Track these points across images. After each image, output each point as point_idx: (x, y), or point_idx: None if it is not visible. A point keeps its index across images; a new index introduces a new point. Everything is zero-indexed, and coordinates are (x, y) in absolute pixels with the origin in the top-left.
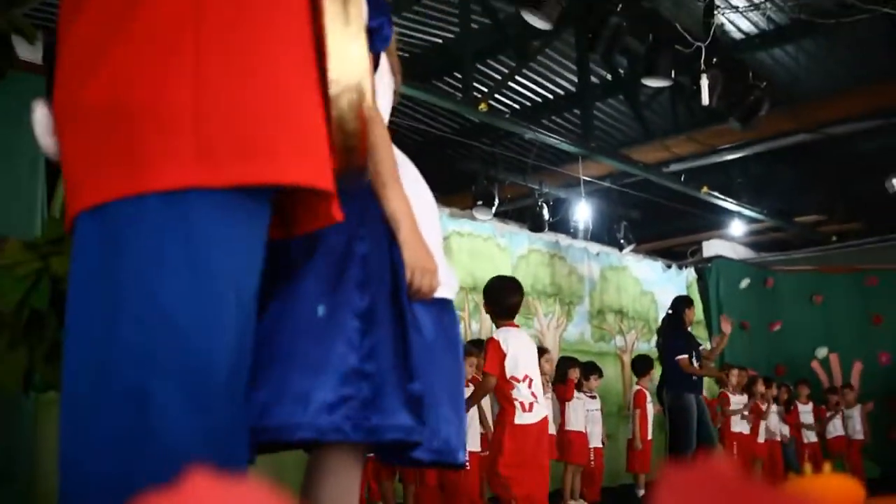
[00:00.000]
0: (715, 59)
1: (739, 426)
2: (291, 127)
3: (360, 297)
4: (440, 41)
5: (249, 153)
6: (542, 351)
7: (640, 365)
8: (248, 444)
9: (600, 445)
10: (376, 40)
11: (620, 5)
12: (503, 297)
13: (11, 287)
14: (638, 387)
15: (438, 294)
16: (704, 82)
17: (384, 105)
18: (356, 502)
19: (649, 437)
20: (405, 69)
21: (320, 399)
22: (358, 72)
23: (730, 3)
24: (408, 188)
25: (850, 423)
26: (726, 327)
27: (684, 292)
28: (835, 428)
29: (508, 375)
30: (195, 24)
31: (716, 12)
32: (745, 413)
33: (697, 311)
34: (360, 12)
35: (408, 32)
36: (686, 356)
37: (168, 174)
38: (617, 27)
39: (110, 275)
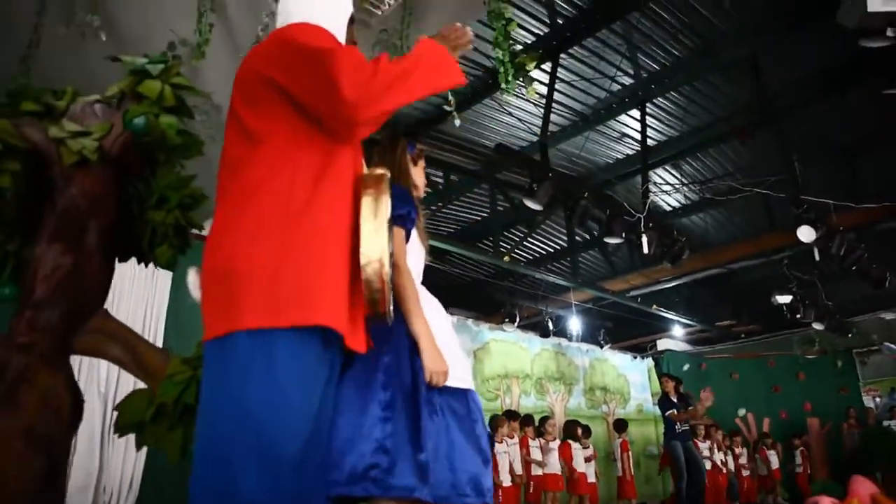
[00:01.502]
0: (651, 224)
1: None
2: (326, 291)
3: (384, 394)
4: (479, 218)
5: (301, 305)
6: (547, 418)
7: (620, 425)
8: (308, 498)
9: (595, 481)
10: (406, 222)
11: (587, 193)
12: None
13: (172, 388)
14: (621, 438)
15: (450, 384)
16: (645, 239)
17: (415, 262)
18: None
19: (632, 472)
20: (460, 238)
21: (352, 465)
22: (380, 250)
23: (661, 189)
24: (429, 315)
25: (771, 461)
26: (707, 396)
27: (646, 375)
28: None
29: None
30: (282, 224)
31: (650, 194)
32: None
33: (655, 385)
34: (386, 211)
35: (458, 214)
36: (674, 411)
37: (251, 319)
38: (585, 207)
39: (217, 384)
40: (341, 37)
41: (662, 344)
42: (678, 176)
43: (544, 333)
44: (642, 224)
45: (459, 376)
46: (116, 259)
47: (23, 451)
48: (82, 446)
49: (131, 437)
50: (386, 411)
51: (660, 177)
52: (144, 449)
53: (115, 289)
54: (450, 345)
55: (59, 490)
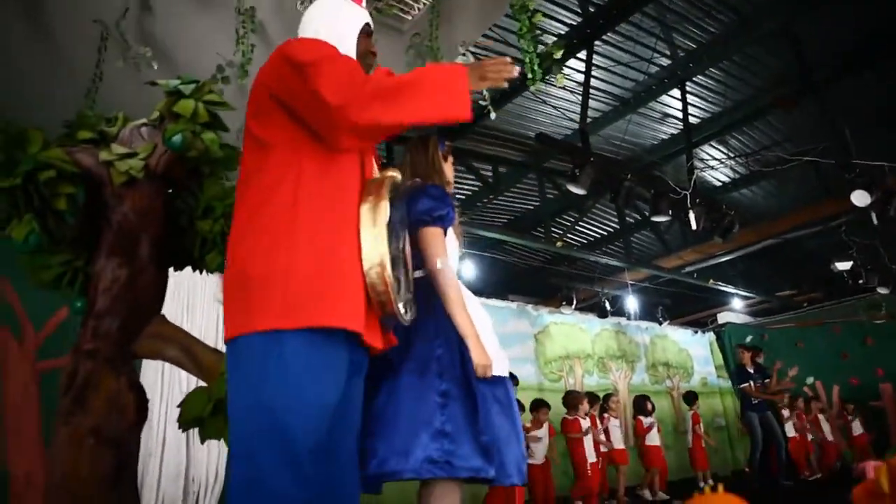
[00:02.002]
0: (697, 200)
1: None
2: (337, 292)
3: (440, 383)
4: (530, 207)
5: (311, 307)
6: (610, 395)
7: (691, 397)
8: (339, 485)
9: (663, 453)
10: (446, 222)
11: (630, 174)
12: None
13: (225, 385)
14: (692, 411)
15: (494, 373)
16: (692, 215)
17: (453, 258)
18: None
19: (703, 445)
20: (516, 228)
21: (417, 454)
22: (380, 254)
23: (708, 165)
24: (472, 311)
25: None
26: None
27: (708, 349)
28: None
29: None
30: (289, 230)
31: (698, 171)
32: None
33: (717, 358)
34: (384, 218)
35: (509, 204)
36: (749, 384)
37: (264, 321)
38: (629, 188)
39: (237, 383)
40: (349, 47)
41: (723, 317)
42: (725, 151)
43: (602, 314)
44: (688, 201)
45: (501, 366)
46: (171, 268)
47: (94, 447)
48: (171, 441)
49: None
50: (443, 398)
51: (707, 153)
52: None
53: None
54: (489, 336)
55: (128, 483)
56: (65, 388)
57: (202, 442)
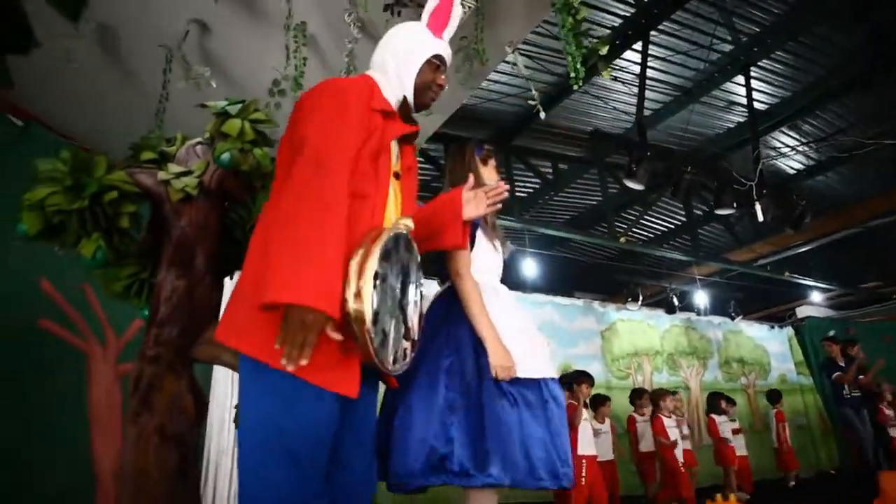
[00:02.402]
0: (764, 191)
1: None
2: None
3: (447, 394)
4: (593, 203)
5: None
6: (672, 392)
7: (774, 395)
8: (317, 488)
9: (745, 453)
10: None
11: (690, 167)
12: None
13: None
14: (775, 409)
15: (521, 375)
16: (758, 207)
17: (487, 259)
18: None
19: (789, 443)
20: (578, 224)
21: (421, 458)
22: (356, 310)
23: (780, 153)
24: (502, 313)
25: None
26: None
27: (787, 345)
28: None
29: None
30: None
31: (770, 160)
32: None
33: (797, 354)
34: (370, 272)
35: (571, 201)
36: (839, 373)
37: (248, 344)
38: (690, 182)
39: (240, 388)
40: (406, 76)
41: (802, 311)
42: (798, 137)
43: (670, 310)
44: (754, 192)
45: (530, 367)
46: (228, 277)
47: (159, 445)
48: None
49: None
50: (450, 409)
51: (778, 140)
52: None
53: None
54: (523, 338)
55: (191, 480)
56: (132, 390)
57: None
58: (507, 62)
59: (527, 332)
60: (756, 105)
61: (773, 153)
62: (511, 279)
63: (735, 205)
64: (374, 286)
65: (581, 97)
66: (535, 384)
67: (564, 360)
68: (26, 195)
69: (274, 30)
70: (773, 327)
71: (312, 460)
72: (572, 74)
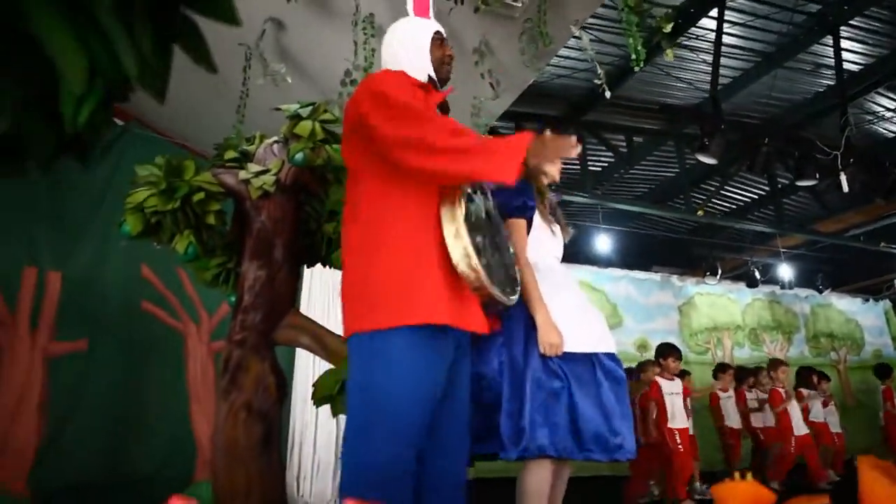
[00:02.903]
0: (852, 160)
1: None
2: (420, 293)
3: (498, 367)
4: (671, 176)
5: (399, 309)
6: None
7: (883, 370)
8: (413, 457)
9: (839, 430)
10: (524, 211)
11: (767, 140)
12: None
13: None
14: (884, 385)
15: (571, 349)
16: (843, 178)
17: (543, 242)
18: (540, 489)
19: None
20: (655, 199)
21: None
22: (462, 248)
23: (877, 115)
24: (556, 290)
25: None
26: None
27: (882, 318)
28: None
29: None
30: (376, 245)
31: (860, 125)
32: None
33: (894, 326)
34: (461, 213)
35: (650, 174)
36: None
37: (365, 323)
38: (767, 154)
39: (352, 374)
40: (424, 59)
41: None
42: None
43: (751, 283)
44: (839, 161)
45: (580, 342)
46: (305, 266)
47: (246, 419)
48: (322, 415)
49: None
50: (498, 382)
51: (874, 102)
52: None
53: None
54: (575, 315)
55: (274, 449)
56: (222, 370)
57: (333, 416)
58: (576, 37)
59: (580, 308)
60: (848, 67)
61: (869, 117)
62: (585, 254)
63: (818, 175)
64: (468, 228)
65: (655, 69)
66: (587, 359)
67: (641, 334)
68: (127, 198)
69: (345, 23)
70: (867, 300)
71: (413, 428)
72: (633, 56)
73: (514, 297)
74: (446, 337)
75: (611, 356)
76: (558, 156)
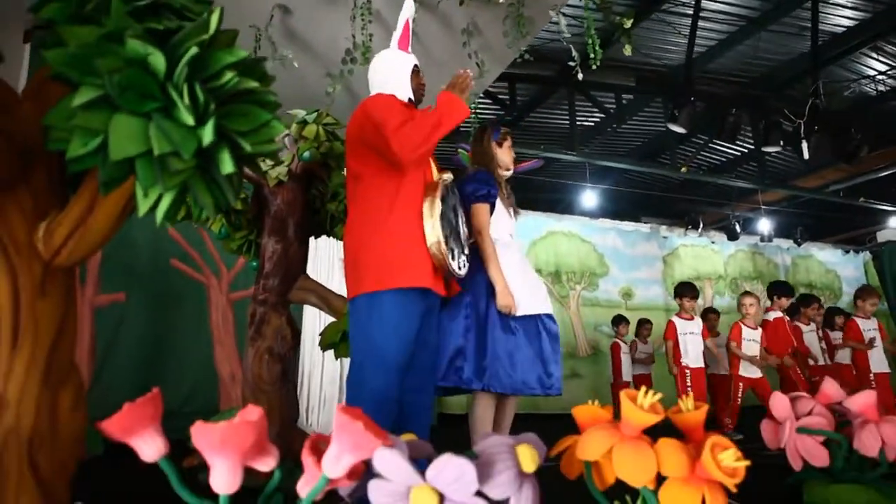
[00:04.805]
0: (816, 127)
1: None
2: (411, 264)
3: (464, 321)
4: (661, 131)
5: (395, 275)
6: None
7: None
8: (398, 386)
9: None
10: (488, 198)
11: (735, 109)
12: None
13: (345, 322)
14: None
15: (522, 312)
16: (804, 145)
17: (503, 223)
18: (487, 418)
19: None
20: (643, 155)
21: (443, 370)
22: (436, 236)
23: (864, 76)
24: (509, 263)
25: None
26: None
27: (861, 270)
28: None
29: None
30: (378, 227)
31: (857, 85)
32: None
33: (872, 279)
34: (437, 210)
35: (639, 129)
36: None
37: (368, 286)
38: (733, 124)
39: (354, 325)
40: (406, 88)
41: (883, 235)
42: (881, 59)
43: (731, 236)
44: (802, 129)
45: (529, 307)
46: (312, 238)
47: (269, 361)
48: (328, 357)
49: None
50: (465, 332)
51: (858, 63)
52: None
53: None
54: (523, 284)
55: (291, 384)
56: (249, 323)
57: (336, 358)
58: (554, 22)
59: (529, 279)
60: (833, 28)
61: (853, 75)
62: (575, 207)
63: (782, 142)
64: (441, 222)
65: (644, 31)
66: (532, 319)
67: (626, 283)
68: None
69: (346, 7)
70: (847, 252)
71: (398, 364)
72: (591, 55)
73: (464, 271)
74: (422, 298)
75: (549, 316)
76: (466, 85)
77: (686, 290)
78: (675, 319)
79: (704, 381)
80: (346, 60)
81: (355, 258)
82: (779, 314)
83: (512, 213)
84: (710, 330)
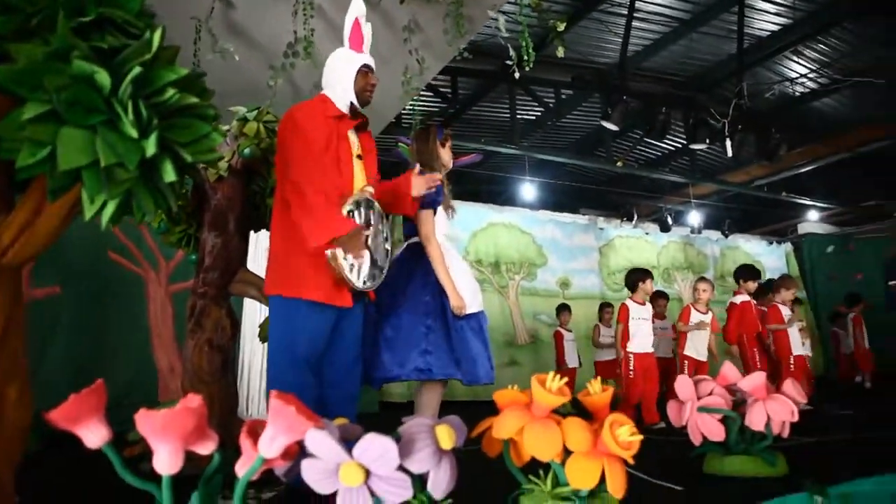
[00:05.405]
0: (740, 126)
1: None
2: (310, 278)
3: (425, 320)
4: (597, 126)
5: (300, 285)
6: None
7: (853, 298)
8: (310, 384)
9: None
10: (434, 204)
11: (664, 108)
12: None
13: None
14: (853, 314)
15: (468, 311)
16: (728, 143)
17: (443, 227)
18: (436, 404)
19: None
20: (580, 149)
21: (409, 365)
22: (331, 251)
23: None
24: (451, 265)
25: None
26: None
27: (783, 260)
28: None
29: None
30: (291, 237)
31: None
32: None
33: (794, 269)
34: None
35: (577, 124)
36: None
37: (279, 289)
38: (663, 122)
39: (271, 321)
40: (347, 87)
41: (803, 228)
42: (801, 62)
43: (664, 228)
44: (726, 128)
45: (474, 305)
46: (252, 232)
47: (209, 352)
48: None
49: None
50: (427, 330)
51: (784, 66)
52: None
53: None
54: (467, 285)
55: (230, 375)
56: (189, 315)
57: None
58: (493, 18)
59: (469, 279)
60: (758, 33)
61: (776, 76)
62: (515, 199)
63: (707, 140)
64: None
65: (581, 30)
66: (475, 317)
67: (564, 273)
68: None
69: (289, 1)
70: (771, 243)
71: (309, 361)
72: (525, 57)
73: (371, 284)
74: (327, 308)
75: (482, 312)
76: (358, 249)
77: (646, 275)
78: (629, 303)
79: (654, 366)
80: (288, 54)
81: (276, 260)
82: (745, 297)
83: (450, 214)
84: (658, 315)
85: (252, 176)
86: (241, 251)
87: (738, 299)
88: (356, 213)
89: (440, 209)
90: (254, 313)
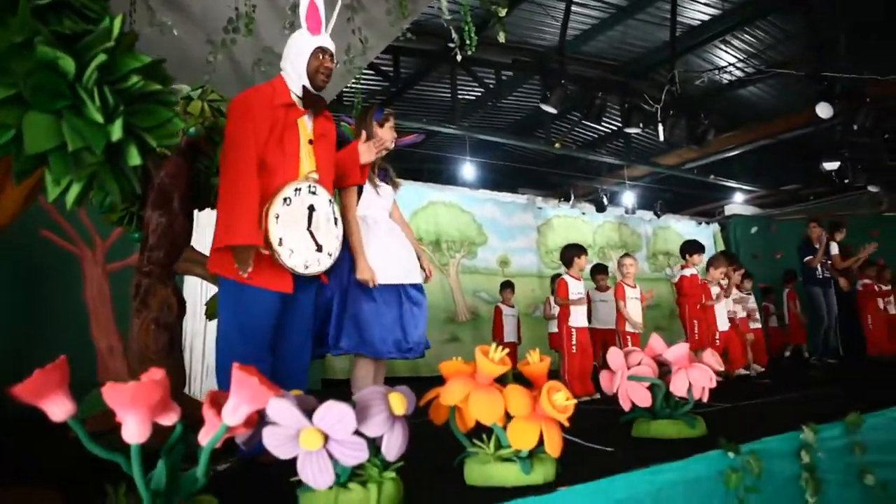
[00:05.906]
0: (671, 112)
1: None
2: (261, 262)
3: (329, 294)
4: (536, 108)
5: (237, 268)
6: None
7: (790, 275)
8: (261, 355)
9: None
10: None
11: (600, 93)
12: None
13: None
14: (788, 289)
15: (382, 282)
16: (660, 128)
17: (372, 203)
18: (369, 379)
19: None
20: (519, 131)
21: (331, 340)
22: (269, 237)
23: (713, 66)
24: (372, 237)
25: None
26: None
27: (712, 239)
28: None
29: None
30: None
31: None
32: None
33: (721, 248)
34: (274, 212)
35: (517, 105)
36: (811, 257)
37: (223, 270)
38: (600, 106)
39: (219, 298)
40: (300, 68)
41: (730, 209)
42: (730, 51)
43: (599, 208)
44: (659, 113)
45: (390, 276)
46: (196, 210)
47: (155, 331)
48: (211, 325)
49: None
50: (338, 306)
51: (711, 54)
52: None
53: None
54: (389, 256)
55: (177, 353)
56: (134, 294)
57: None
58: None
59: (393, 251)
60: (690, 22)
61: (707, 65)
62: (456, 178)
63: (641, 124)
64: (276, 222)
65: (522, 13)
66: (394, 288)
67: (503, 252)
68: None
69: None
70: (700, 223)
71: (259, 337)
72: (467, 41)
73: (313, 269)
74: (268, 292)
75: (415, 286)
76: (245, 264)
77: (580, 251)
78: (567, 278)
79: (588, 340)
80: (229, 30)
81: (216, 235)
82: (693, 270)
83: (384, 191)
84: (601, 288)
85: (197, 155)
86: (186, 230)
87: (688, 272)
88: (294, 199)
89: (368, 187)
90: (195, 291)
